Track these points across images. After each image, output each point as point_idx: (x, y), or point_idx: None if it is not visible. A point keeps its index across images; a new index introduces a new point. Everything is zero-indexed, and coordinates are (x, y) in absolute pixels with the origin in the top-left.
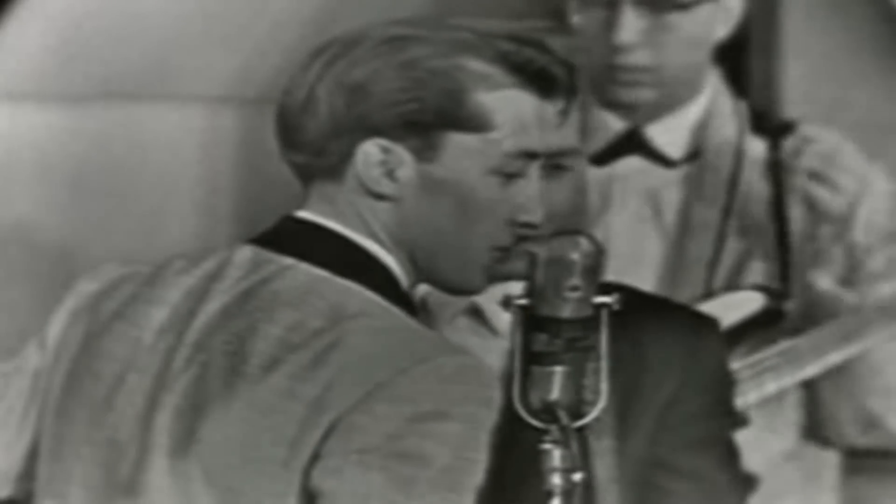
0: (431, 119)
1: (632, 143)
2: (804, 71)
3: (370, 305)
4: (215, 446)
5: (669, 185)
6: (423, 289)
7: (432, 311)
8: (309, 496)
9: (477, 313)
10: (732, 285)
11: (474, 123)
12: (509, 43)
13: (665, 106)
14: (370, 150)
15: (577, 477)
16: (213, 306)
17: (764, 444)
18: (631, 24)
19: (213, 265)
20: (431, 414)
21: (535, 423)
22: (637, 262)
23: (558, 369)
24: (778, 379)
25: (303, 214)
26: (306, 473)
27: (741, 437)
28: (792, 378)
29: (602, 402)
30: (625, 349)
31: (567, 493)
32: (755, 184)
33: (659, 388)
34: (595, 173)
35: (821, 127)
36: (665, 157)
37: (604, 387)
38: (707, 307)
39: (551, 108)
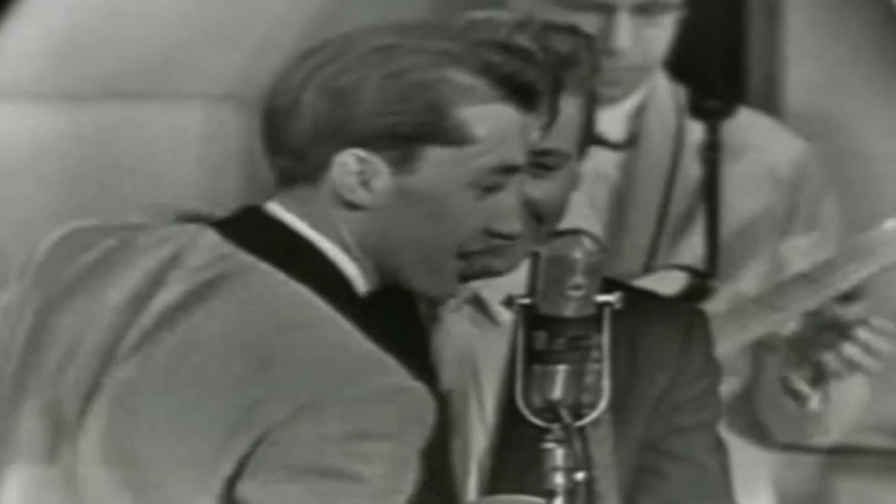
0: (412, 132)
1: None
2: (805, 73)
3: (319, 316)
4: (146, 438)
5: (609, 168)
6: None
7: (437, 300)
8: None
9: (479, 303)
10: (664, 266)
11: (455, 137)
12: (498, 53)
13: (614, 96)
14: (347, 160)
15: (580, 476)
16: (167, 296)
17: None
18: (627, 30)
19: (174, 247)
20: (360, 433)
21: (537, 421)
22: None
23: (561, 368)
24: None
25: (272, 208)
26: (231, 483)
27: None
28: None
29: (604, 401)
30: (620, 344)
31: (570, 492)
32: (693, 167)
33: (652, 381)
34: None
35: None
36: (606, 140)
37: (606, 385)
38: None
39: (533, 122)
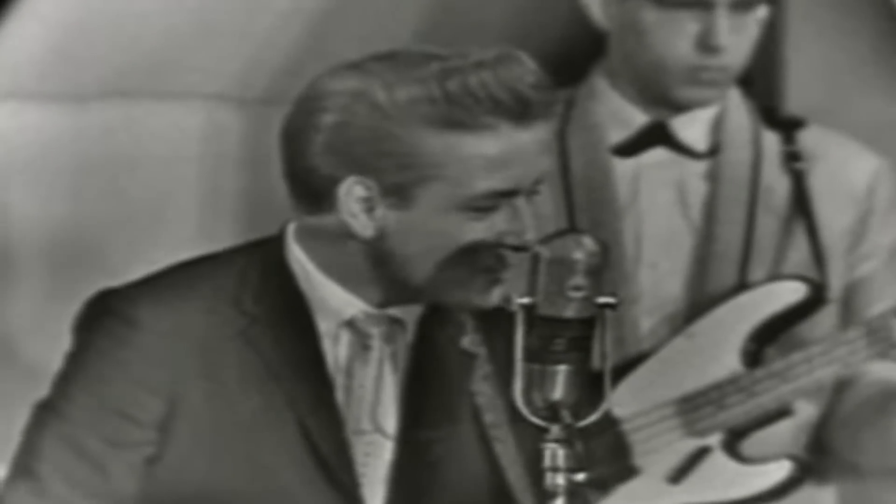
0: None
1: (656, 135)
2: (805, 73)
3: None
4: None
5: (694, 177)
6: None
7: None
8: None
9: None
10: (773, 276)
11: None
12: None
13: (707, 99)
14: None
15: (581, 477)
16: None
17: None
18: (725, 26)
19: None
20: None
21: (537, 421)
22: (667, 253)
23: (561, 368)
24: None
25: None
26: None
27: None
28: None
29: (606, 403)
30: None
31: (570, 492)
32: (775, 176)
33: None
34: (622, 164)
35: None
36: (691, 150)
37: (607, 387)
38: (753, 296)
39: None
